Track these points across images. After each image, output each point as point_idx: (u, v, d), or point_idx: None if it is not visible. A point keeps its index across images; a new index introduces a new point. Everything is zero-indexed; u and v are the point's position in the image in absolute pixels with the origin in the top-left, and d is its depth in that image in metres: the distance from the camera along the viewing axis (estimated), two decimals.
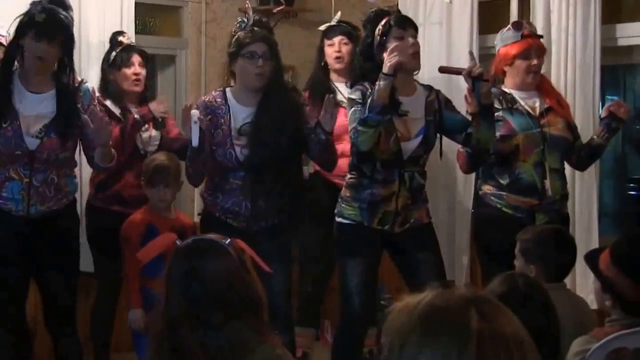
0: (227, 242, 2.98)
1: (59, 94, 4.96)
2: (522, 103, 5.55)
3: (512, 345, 1.65)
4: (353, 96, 5.14)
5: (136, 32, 6.79)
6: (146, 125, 5.91)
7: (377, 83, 4.95)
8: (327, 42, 6.45)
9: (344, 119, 5.81)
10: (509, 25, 5.67)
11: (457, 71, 5.29)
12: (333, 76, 6.49)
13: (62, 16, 4.92)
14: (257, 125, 5.16)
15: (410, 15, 6.67)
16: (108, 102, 5.88)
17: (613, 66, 6.69)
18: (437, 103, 5.30)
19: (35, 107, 4.92)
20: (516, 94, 5.58)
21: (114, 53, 5.95)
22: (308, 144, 5.24)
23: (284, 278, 5.21)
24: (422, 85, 5.38)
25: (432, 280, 5.06)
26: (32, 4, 4.91)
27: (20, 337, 5.11)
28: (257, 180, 5.15)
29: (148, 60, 6.13)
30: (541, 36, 5.71)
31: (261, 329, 2.90)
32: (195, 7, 7.39)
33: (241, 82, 5.26)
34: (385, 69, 4.93)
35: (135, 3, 6.79)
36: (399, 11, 5.46)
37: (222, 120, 5.18)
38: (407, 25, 5.22)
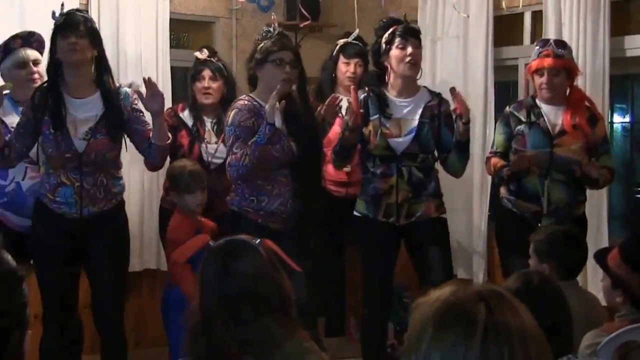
0: (257, 242, 3.00)
1: (104, 95, 5.01)
2: (546, 119, 5.57)
3: (517, 339, 1.65)
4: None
5: (171, 46, 6.83)
6: (215, 139, 5.95)
7: (342, 131, 5.29)
8: (343, 58, 6.44)
9: (339, 129, 5.94)
10: (536, 42, 5.74)
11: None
12: (339, 88, 6.50)
13: (80, 13, 5.03)
14: (298, 126, 5.23)
15: (429, 29, 6.76)
16: (184, 114, 6.02)
17: (621, 76, 6.67)
18: (438, 110, 5.42)
19: (80, 112, 4.97)
20: (545, 108, 5.61)
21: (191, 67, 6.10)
22: None
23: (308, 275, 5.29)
24: (430, 91, 5.53)
25: (437, 273, 5.21)
26: (53, 18, 5.05)
27: (72, 333, 5.17)
28: (303, 175, 5.26)
29: (224, 75, 6.11)
30: (560, 55, 5.58)
31: (289, 324, 2.92)
32: (226, 22, 7.42)
33: (267, 87, 5.23)
34: (350, 125, 5.17)
35: (170, 19, 6.83)
36: (406, 22, 5.48)
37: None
38: (409, 36, 5.33)
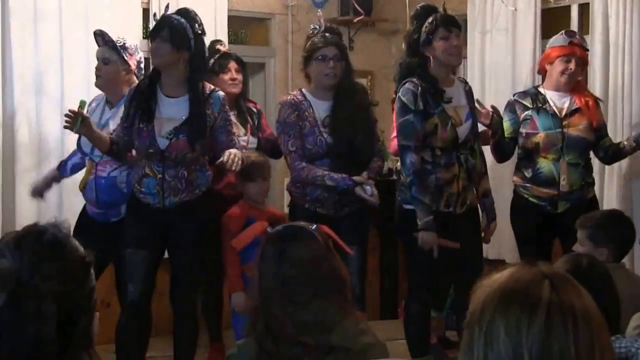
0: (313, 227, 3.02)
1: (191, 99, 4.99)
2: (552, 104, 5.61)
3: (580, 318, 1.64)
4: (405, 100, 5.08)
5: (229, 42, 6.84)
6: (243, 131, 5.84)
7: (421, 217, 5.00)
8: None
9: None
10: (562, 32, 5.71)
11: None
12: None
13: (172, 19, 5.00)
14: (334, 118, 5.27)
15: (478, 23, 6.73)
16: None
17: None
18: (471, 94, 5.38)
19: (168, 110, 5.00)
20: (549, 94, 5.65)
21: (212, 60, 5.86)
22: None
23: (361, 260, 5.27)
24: (457, 77, 5.44)
25: (476, 261, 5.14)
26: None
27: (144, 316, 5.19)
28: (342, 166, 5.22)
29: (244, 66, 6.05)
30: (587, 49, 5.74)
31: (345, 305, 2.93)
32: (282, 18, 7.45)
33: (316, 82, 5.37)
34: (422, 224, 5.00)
35: (228, 16, 6.86)
36: (444, 9, 5.29)
37: (307, 113, 5.29)
38: (452, 26, 5.14)
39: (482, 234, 5.36)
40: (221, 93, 5.15)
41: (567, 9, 6.76)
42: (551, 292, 1.65)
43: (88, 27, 5.60)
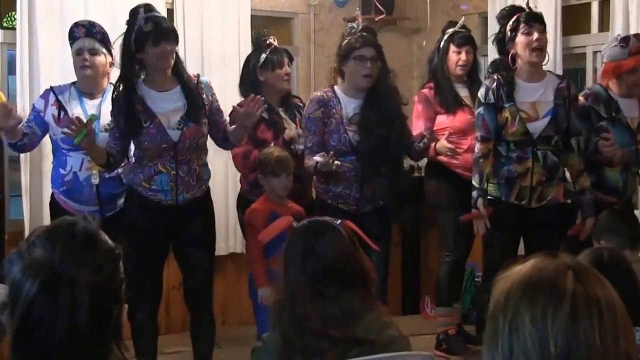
0: (338, 222, 3.04)
1: (184, 88, 5.00)
2: (624, 113, 5.50)
3: (605, 308, 1.65)
4: (479, 94, 5.35)
5: (252, 42, 6.85)
6: (294, 125, 5.77)
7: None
8: (454, 48, 6.09)
9: (468, 116, 5.82)
10: (615, 40, 5.54)
11: None
12: (451, 78, 6.16)
13: (165, 20, 5.01)
14: (365, 116, 5.32)
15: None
16: None
17: None
18: (568, 92, 5.34)
19: (167, 104, 4.98)
20: (620, 101, 5.52)
21: (264, 55, 5.75)
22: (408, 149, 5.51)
23: (384, 256, 5.29)
24: (555, 74, 5.50)
25: None
26: (131, 17, 4.94)
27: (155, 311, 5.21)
28: (366, 164, 5.28)
29: (292, 62, 6.00)
30: None
31: (369, 299, 2.95)
32: (305, 18, 7.46)
33: (350, 81, 5.40)
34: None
35: (251, 15, 6.88)
36: (529, 8, 5.43)
37: (334, 111, 5.34)
38: (534, 22, 5.26)
39: (576, 231, 5.32)
40: (206, 78, 5.20)
41: (588, 5, 6.73)
42: (575, 283, 1.66)
43: (114, 28, 5.61)
